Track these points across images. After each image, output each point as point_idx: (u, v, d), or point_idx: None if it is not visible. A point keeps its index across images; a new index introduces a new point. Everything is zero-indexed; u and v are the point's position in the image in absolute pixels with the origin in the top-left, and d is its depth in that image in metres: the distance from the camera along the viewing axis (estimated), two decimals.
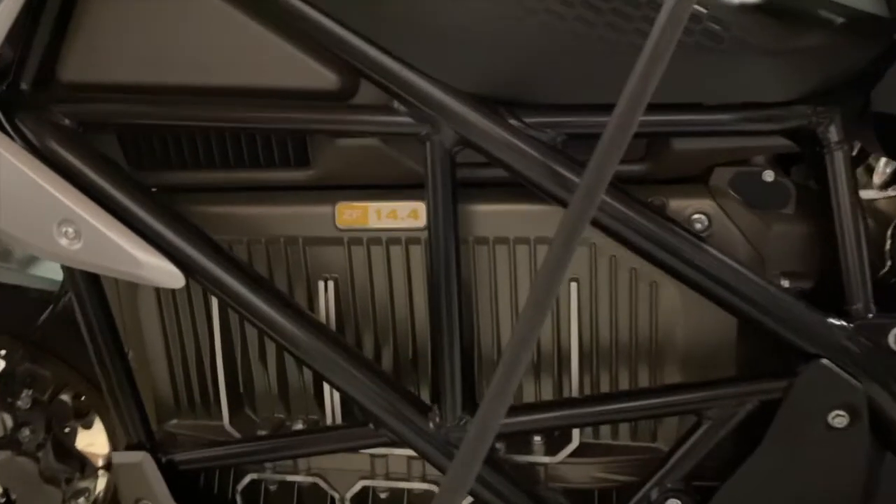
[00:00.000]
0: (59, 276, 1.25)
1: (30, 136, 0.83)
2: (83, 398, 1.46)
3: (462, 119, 0.77)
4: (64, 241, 0.83)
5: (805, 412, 0.79)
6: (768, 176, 0.83)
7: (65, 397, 1.43)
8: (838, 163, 0.78)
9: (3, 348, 1.27)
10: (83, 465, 1.43)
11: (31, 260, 1.25)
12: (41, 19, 0.82)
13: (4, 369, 1.27)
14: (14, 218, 0.83)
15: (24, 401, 1.29)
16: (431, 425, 0.85)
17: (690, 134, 0.80)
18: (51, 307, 1.21)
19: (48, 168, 0.82)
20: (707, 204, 0.82)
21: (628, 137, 0.56)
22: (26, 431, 1.28)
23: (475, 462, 0.62)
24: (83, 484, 1.43)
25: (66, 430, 1.46)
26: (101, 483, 1.45)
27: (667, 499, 0.84)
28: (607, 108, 0.76)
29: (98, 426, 1.53)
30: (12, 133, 0.83)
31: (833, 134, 0.78)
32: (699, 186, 0.83)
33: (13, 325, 1.25)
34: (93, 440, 1.58)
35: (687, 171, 0.84)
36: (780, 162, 0.86)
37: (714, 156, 0.82)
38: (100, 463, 1.49)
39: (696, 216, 0.82)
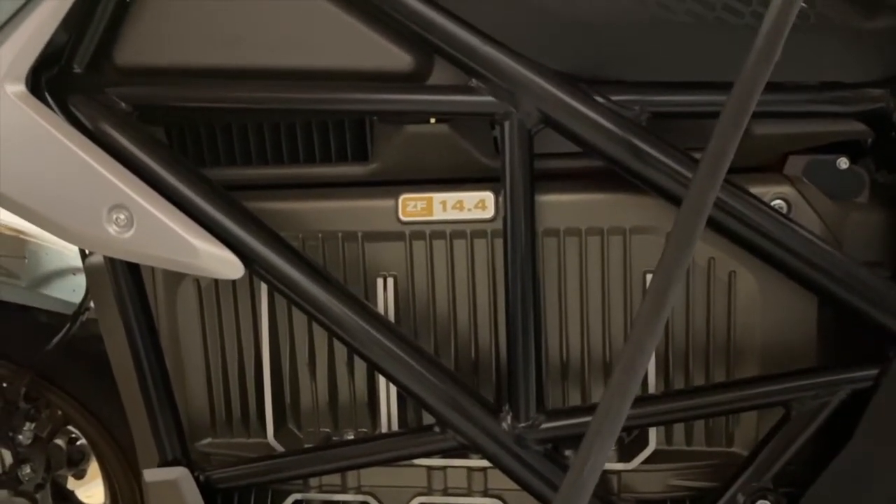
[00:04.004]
0: (73, 297, 1.18)
1: (82, 118, 0.79)
2: (78, 441, 1.38)
3: (546, 95, 0.75)
4: (113, 229, 0.78)
5: None
6: (843, 163, 0.82)
7: (59, 441, 1.33)
8: None
9: (7, 377, 1.19)
10: None
11: (42, 280, 1.17)
12: (100, 2, 0.79)
13: (7, 400, 1.18)
14: (60, 203, 0.78)
15: (25, 436, 1.20)
16: (504, 426, 0.80)
17: (769, 115, 0.79)
18: (64, 330, 1.14)
19: (102, 151, 0.78)
20: (787, 190, 0.81)
21: (747, 118, 0.55)
22: (27, 469, 1.18)
23: (594, 473, 0.58)
24: None
25: (61, 476, 1.37)
26: None
27: (755, 500, 0.79)
28: (693, 86, 0.78)
29: (92, 474, 1.43)
30: (63, 116, 0.78)
31: None
32: (775, 175, 0.82)
33: (19, 351, 1.17)
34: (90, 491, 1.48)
35: (763, 158, 0.82)
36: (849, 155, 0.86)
37: (791, 141, 0.81)
38: None
39: (776, 202, 0.80)
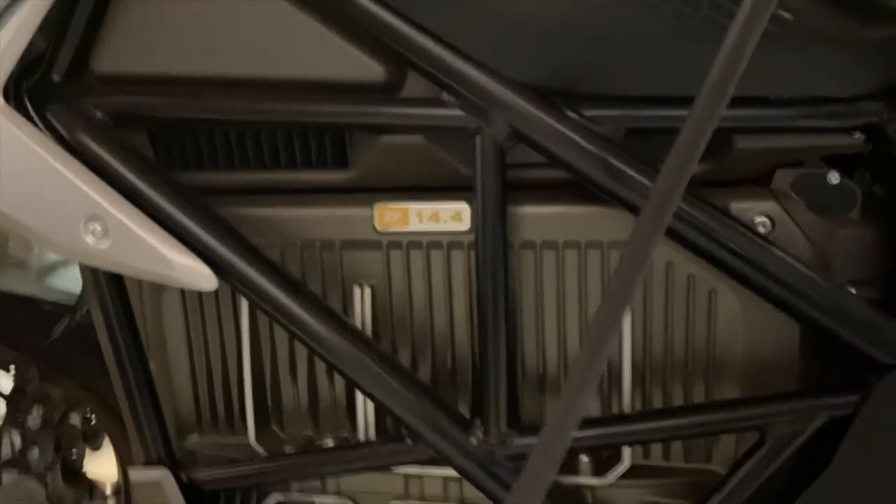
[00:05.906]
0: (76, 288, 1.21)
1: (60, 128, 0.79)
2: (92, 420, 1.42)
3: (516, 110, 0.73)
4: (90, 239, 0.79)
5: (879, 428, 0.73)
6: (833, 178, 0.79)
7: (74, 419, 1.38)
8: None
9: (15, 364, 1.23)
10: (91, 489, 1.37)
11: (48, 270, 1.20)
12: (76, 9, 0.79)
13: (15, 386, 1.22)
14: (39, 213, 0.79)
15: (34, 420, 1.24)
16: (474, 441, 0.79)
17: (754, 131, 0.76)
18: (65, 323, 1.17)
19: (77, 161, 0.78)
20: (770, 206, 0.78)
21: (708, 134, 0.52)
22: (35, 452, 1.22)
23: (541, 485, 0.57)
24: None
25: (74, 454, 1.41)
26: None
27: None
28: (669, 101, 0.75)
29: (106, 449, 1.47)
30: (42, 125, 0.79)
31: None
32: (761, 189, 0.79)
33: (26, 339, 1.20)
34: (101, 464, 1.52)
35: (748, 172, 0.80)
36: (841, 168, 0.82)
37: (777, 155, 0.78)
38: (108, 488, 1.43)
39: (759, 219, 0.78)
